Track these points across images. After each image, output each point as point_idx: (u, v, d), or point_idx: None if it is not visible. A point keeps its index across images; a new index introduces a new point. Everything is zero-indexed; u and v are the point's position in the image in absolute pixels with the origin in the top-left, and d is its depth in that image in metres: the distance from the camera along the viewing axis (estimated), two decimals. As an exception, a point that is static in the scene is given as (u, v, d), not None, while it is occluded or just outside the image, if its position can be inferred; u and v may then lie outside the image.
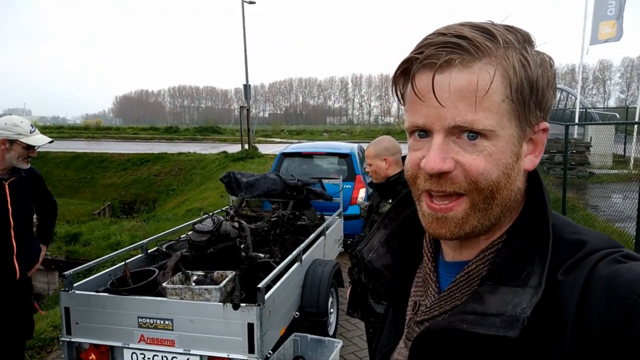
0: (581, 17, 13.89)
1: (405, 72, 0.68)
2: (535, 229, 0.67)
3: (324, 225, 4.88)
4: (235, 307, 2.89)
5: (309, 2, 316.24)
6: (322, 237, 4.70)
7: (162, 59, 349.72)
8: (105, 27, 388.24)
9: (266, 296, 3.07)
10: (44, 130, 37.50)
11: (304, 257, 4.02)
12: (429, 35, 0.66)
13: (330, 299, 4.24)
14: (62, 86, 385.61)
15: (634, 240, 5.36)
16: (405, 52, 0.71)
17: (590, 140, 13.81)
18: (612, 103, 78.71)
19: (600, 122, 17.40)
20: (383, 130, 30.08)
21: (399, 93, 0.71)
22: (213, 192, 12.69)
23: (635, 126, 13.90)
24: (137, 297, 3.13)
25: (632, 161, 12.22)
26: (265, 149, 21.00)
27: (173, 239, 4.42)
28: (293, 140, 26.38)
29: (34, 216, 3.46)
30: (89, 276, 3.54)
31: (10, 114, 3.27)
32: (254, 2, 21.28)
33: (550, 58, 0.67)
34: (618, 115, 22.43)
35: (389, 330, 0.88)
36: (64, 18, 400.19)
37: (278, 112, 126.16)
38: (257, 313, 2.91)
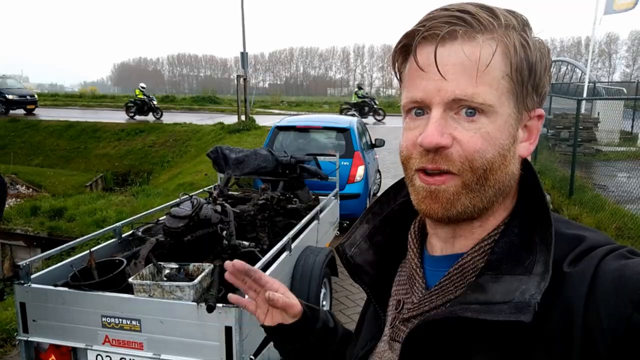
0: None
1: (405, 47, 0.66)
2: (534, 218, 0.66)
3: (318, 207, 4.46)
4: (210, 309, 2.51)
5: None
6: (315, 222, 4.30)
7: (160, 26, 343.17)
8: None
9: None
10: (39, 97, 36.57)
11: (294, 245, 3.63)
12: (432, 11, 0.65)
13: (323, 291, 3.86)
14: (61, 54, 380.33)
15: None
16: (408, 23, 0.69)
17: (598, 115, 13.36)
18: (617, 77, 77.24)
19: (611, 97, 16.85)
20: (384, 103, 29.14)
21: (396, 70, 0.69)
22: (207, 165, 12.19)
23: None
24: (100, 293, 2.75)
25: (640, 139, 11.80)
26: (263, 120, 20.35)
27: (151, 222, 4.02)
28: (292, 112, 25.69)
29: None
30: (50, 265, 3.15)
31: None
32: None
33: (547, 46, 0.67)
34: (625, 90, 21.86)
35: (367, 331, 0.83)
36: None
37: (278, 82, 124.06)
38: (235, 315, 2.53)
